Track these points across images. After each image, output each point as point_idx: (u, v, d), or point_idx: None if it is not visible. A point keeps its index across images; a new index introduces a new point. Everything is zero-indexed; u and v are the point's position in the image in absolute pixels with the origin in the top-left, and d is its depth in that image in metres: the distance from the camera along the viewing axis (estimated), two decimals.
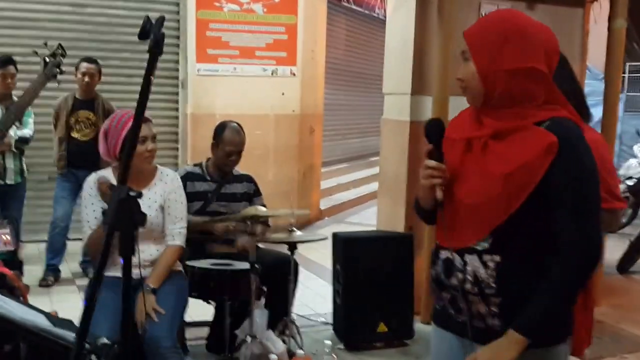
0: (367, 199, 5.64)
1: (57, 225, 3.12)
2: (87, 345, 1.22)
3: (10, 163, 2.90)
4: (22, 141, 2.91)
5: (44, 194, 3.72)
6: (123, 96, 3.72)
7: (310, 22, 4.44)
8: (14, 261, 2.03)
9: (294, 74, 4.39)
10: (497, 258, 0.98)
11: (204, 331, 2.28)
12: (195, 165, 2.36)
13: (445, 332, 1.08)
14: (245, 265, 1.95)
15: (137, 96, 0.95)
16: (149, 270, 1.75)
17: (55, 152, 3.13)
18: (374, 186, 4.86)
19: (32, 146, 3.11)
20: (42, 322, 1.35)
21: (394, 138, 2.83)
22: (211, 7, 4.15)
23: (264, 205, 2.23)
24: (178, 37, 4.19)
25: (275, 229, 2.37)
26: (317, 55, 4.59)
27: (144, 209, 1.74)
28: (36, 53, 2.63)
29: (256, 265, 1.91)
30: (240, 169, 2.35)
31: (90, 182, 1.76)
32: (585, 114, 1.34)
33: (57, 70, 2.59)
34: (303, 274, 2.40)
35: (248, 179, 2.34)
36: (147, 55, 0.93)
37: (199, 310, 2.15)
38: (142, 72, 0.92)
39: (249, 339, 1.94)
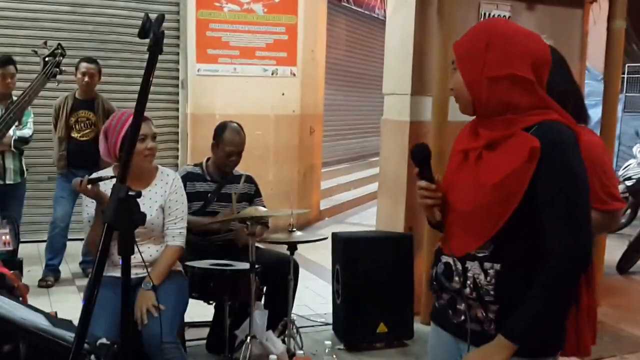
0: (367, 200, 5.64)
1: (56, 225, 3.11)
2: (86, 346, 1.22)
3: (9, 163, 2.89)
4: (21, 141, 2.91)
5: (43, 194, 3.72)
6: (123, 96, 3.72)
7: (310, 23, 4.44)
8: (13, 261, 2.02)
9: (294, 74, 4.39)
10: (498, 266, 0.98)
11: (204, 331, 2.28)
12: (195, 165, 2.36)
13: (442, 331, 1.09)
14: (245, 265, 1.94)
15: (137, 96, 0.94)
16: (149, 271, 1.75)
17: (55, 152, 3.13)
18: (374, 186, 4.87)
19: (31, 146, 3.11)
20: (42, 322, 1.35)
21: (394, 138, 2.83)
22: (211, 7, 4.15)
23: (264, 206, 2.23)
24: (178, 37, 4.19)
25: (275, 229, 2.37)
26: (317, 56, 4.60)
27: (144, 208, 1.74)
28: (36, 53, 2.62)
29: (256, 266, 1.91)
30: (240, 169, 2.34)
31: None
32: (583, 116, 1.34)
33: (57, 70, 2.59)
34: (303, 274, 2.40)
35: (248, 179, 2.34)
36: (147, 55, 0.92)
37: (199, 310, 2.14)
38: (142, 71, 0.92)
39: (248, 339, 1.94)
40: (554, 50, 1.30)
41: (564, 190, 0.94)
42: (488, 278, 0.98)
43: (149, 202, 1.76)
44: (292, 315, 2.14)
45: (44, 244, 3.19)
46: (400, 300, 2.44)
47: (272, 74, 4.33)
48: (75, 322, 1.04)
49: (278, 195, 4.17)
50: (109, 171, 1.79)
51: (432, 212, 1.05)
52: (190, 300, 1.86)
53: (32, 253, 3.35)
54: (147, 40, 0.91)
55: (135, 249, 0.94)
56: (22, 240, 2.38)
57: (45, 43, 2.69)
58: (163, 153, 3.99)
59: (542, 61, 0.98)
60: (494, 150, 0.98)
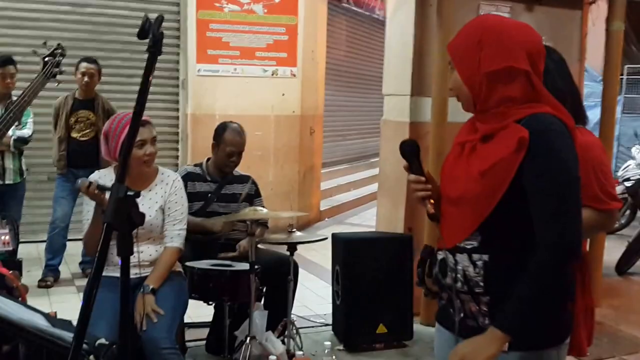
0: (367, 200, 5.65)
1: (56, 225, 3.11)
2: (85, 346, 1.22)
3: (9, 163, 2.89)
4: (21, 141, 2.90)
5: (43, 194, 3.72)
6: (123, 96, 3.72)
7: (310, 23, 4.44)
8: (13, 261, 2.02)
9: (294, 75, 4.39)
10: (486, 257, 0.99)
11: (204, 332, 2.28)
12: (195, 165, 2.36)
13: (445, 330, 1.09)
14: (244, 266, 1.94)
15: (136, 96, 0.94)
16: (148, 271, 1.75)
17: (54, 152, 3.13)
18: (374, 187, 4.86)
19: (31, 146, 3.11)
20: (41, 322, 1.35)
21: (394, 139, 2.83)
22: (212, 7, 4.15)
23: (264, 207, 2.23)
24: (178, 38, 4.19)
25: (275, 230, 2.37)
26: (317, 56, 4.60)
27: (144, 209, 1.75)
28: (35, 53, 2.62)
29: (256, 266, 1.91)
30: (240, 169, 2.34)
31: None
32: (582, 117, 1.34)
33: (57, 70, 2.59)
34: (303, 275, 2.40)
35: (248, 179, 2.34)
36: (147, 55, 0.92)
37: (199, 311, 2.14)
38: (142, 71, 0.92)
39: (248, 340, 1.93)
40: (553, 51, 1.31)
41: (551, 179, 0.93)
42: (477, 270, 0.99)
43: (149, 202, 1.76)
44: (291, 315, 2.13)
45: (43, 244, 3.19)
46: (400, 301, 2.44)
47: (273, 74, 4.33)
48: (75, 323, 1.04)
49: (278, 195, 4.18)
50: (109, 170, 1.79)
51: (426, 205, 1.07)
52: (190, 301, 1.86)
53: (32, 253, 3.35)
54: (148, 40, 0.90)
55: (135, 249, 0.94)
56: (21, 240, 2.38)
57: (45, 43, 2.69)
58: (163, 153, 3.99)
59: (536, 51, 0.99)
60: (488, 143, 0.99)
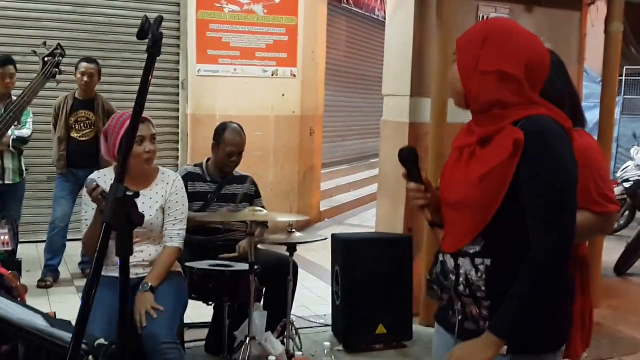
0: (367, 201, 5.65)
1: (56, 225, 3.11)
2: (84, 346, 1.22)
3: (9, 163, 2.89)
4: (20, 141, 2.90)
5: (43, 194, 3.72)
6: (123, 96, 3.73)
7: (310, 24, 4.45)
8: (12, 261, 2.02)
9: (294, 75, 4.40)
10: (488, 262, 0.99)
11: (203, 332, 2.27)
12: (195, 165, 2.36)
13: (444, 331, 1.10)
14: (244, 266, 1.94)
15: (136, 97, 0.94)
16: (148, 271, 1.75)
17: (54, 152, 3.13)
18: (374, 188, 4.87)
19: (31, 146, 3.11)
20: (40, 322, 1.35)
21: (394, 140, 2.84)
22: (212, 7, 4.15)
23: (264, 207, 2.23)
24: (179, 38, 4.20)
25: (275, 230, 2.37)
26: (317, 57, 4.60)
27: (144, 209, 1.75)
28: (35, 53, 2.63)
29: (255, 267, 1.91)
30: (240, 169, 2.34)
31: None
32: (580, 119, 1.34)
33: (56, 70, 2.60)
34: (302, 276, 2.40)
35: (248, 180, 2.34)
36: (146, 56, 0.92)
37: (198, 311, 2.14)
38: (142, 72, 0.92)
39: (247, 340, 1.93)
40: (552, 53, 1.31)
41: (545, 180, 0.93)
42: (479, 274, 0.99)
43: (150, 202, 1.76)
44: (291, 316, 2.13)
45: (43, 245, 3.19)
46: (400, 302, 2.45)
47: (273, 74, 4.33)
48: (74, 323, 1.04)
49: (278, 196, 4.18)
50: (110, 171, 1.79)
51: (425, 213, 1.08)
52: (190, 301, 1.86)
53: (32, 253, 3.35)
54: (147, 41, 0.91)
55: (134, 249, 0.94)
56: (21, 240, 2.38)
57: (45, 43, 2.69)
58: (163, 154, 3.99)
59: (537, 63, 0.98)
60: (486, 146, 0.99)
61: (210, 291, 1.92)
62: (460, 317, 1.02)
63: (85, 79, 3.05)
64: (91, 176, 1.73)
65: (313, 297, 2.98)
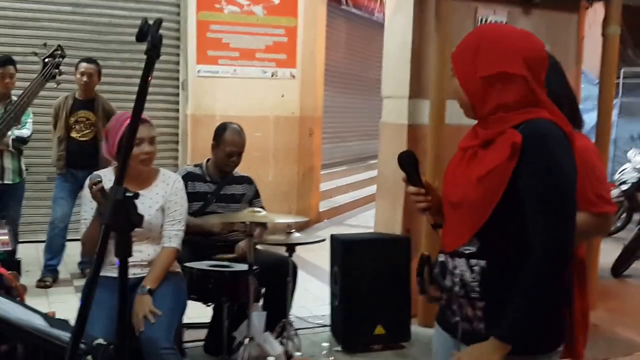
0: (366, 202, 5.65)
1: (56, 226, 3.12)
2: (82, 346, 1.22)
3: (8, 163, 2.90)
4: (20, 141, 2.91)
5: (43, 194, 3.72)
6: (123, 97, 3.73)
7: (310, 25, 4.46)
8: (12, 261, 2.03)
9: (294, 76, 4.41)
10: (483, 263, 1.00)
11: (202, 333, 2.28)
12: (195, 165, 2.36)
13: (443, 331, 1.10)
14: (243, 267, 1.95)
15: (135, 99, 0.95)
16: (147, 271, 1.75)
17: (54, 152, 3.13)
18: (372, 189, 4.86)
19: (31, 146, 3.11)
20: (39, 322, 1.36)
21: (392, 141, 2.85)
22: (212, 8, 4.16)
23: (263, 208, 2.24)
24: (178, 39, 4.20)
25: (274, 231, 2.38)
26: (316, 58, 4.61)
27: (144, 209, 1.75)
28: (36, 54, 2.64)
29: (254, 267, 1.92)
30: (240, 170, 2.35)
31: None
32: (578, 121, 1.35)
33: (56, 71, 2.60)
34: (301, 276, 2.39)
35: (248, 180, 2.35)
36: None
37: (197, 311, 2.15)
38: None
39: (246, 340, 1.94)
40: (548, 55, 1.32)
41: (545, 184, 0.93)
42: (473, 275, 0.99)
43: (149, 202, 1.77)
44: (290, 316, 2.14)
45: (42, 245, 3.19)
46: (398, 303, 2.45)
47: (272, 75, 4.34)
48: (73, 323, 1.04)
49: (277, 196, 4.18)
50: (109, 171, 1.80)
51: (426, 216, 1.09)
52: (189, 302, 1.86)
53: (31, 253, 3.35)
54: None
55: (133, 249, 0.94)
56: (21, 240, 2.39)
57: (45, 44, 2.70)
58: (163, 154, 4.00)
59: (535, 58, 0.98)
60: (488, 148, 0.99)
61: (209, 291, 1.92)
62: (458, 317, 1.03)
63: (85, 79, 3.06)
64: (91, 175, 1.73)
65: (312, 298, 2.99)
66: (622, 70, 6.21)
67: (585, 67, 3.86)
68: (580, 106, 1.50)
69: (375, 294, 2.41)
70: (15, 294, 1.72)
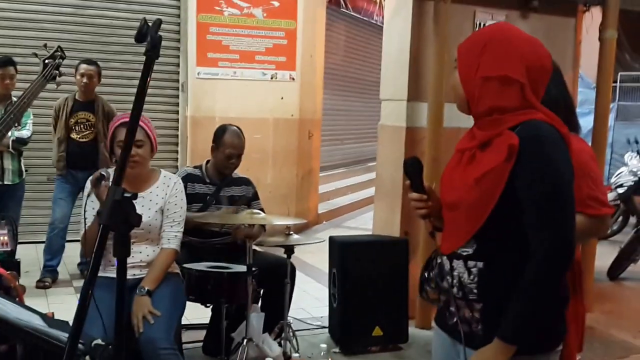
0: (365, 204, 5.66)
1: (55, 226, 3.12)
2: (81, 346, 1.23)
3: (8, 164, 2.90)
4: (20, 142, 2.92)
5: (42, 195, 3.73)
6: (123, 98, 3.74)
7: (309, 28, 4.47)
8: (11, 262, 2.03)
9: (293, 79, 4.42)
10: (480, 264, 1.00)
11: (201, 334, 2.28)
12: (195, 167, 2.37)
13: (441, 332, 1.11)
14: (242, 268, 1.95)
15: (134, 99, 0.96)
16: (145, 272, 1.76)
17: (54, 153, 3.14)
18: (371, 191, 4.87)
19: (31, 147, 3.12)
20: (37, 322, 1.36)
21: (391, 144, 2.86)
22: (212, 11, 4.18)
23: (262, 209, 2.24)
24: (179, 40, 4.22)
25: (273, 232, 2.38)
26: (316, 61, 4.63)
27: (144, 210, 1.76)
28: (36, 55, 2.65)
29: (253, 269, 1.92)
30: (239, 172, 2.36)
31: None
32: (574, 125, 1.36)
33: (56, 72, 2.61)
34: (300, 278, 2.41)
35: (247, 182, 2.36)
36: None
37: (196, 312, 2.15)
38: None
39: (245, 342, 1.94)
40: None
41: (543, 186, 0.93)
42: (471, 276, 1.00)
43: (149, 203, 1.78)
44: (288, 318, 2.14)
45: (42, 245, 3.19)
46: (396, 305, 2.46)
47: (272, 78, 4.36)
48: (72, 323, 1.05)
49: (276, 198, 4.19)
50: (111, 170, 1.81)
51: (426, 223, 1.09)
52: (188, 303, 1.87)
53: (31, 254, 3.35)
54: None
55: (132, 250, 0.95)
56: (20, 241, 2.39)
57: (45, 45, 2.71)
58: (162, 155, 4.01)
59: (538, 67, 0.99)
60: (485, 150, 0.99)
61: (208, 292, 1.93)
62: (456, 319, 1.04)
63: (85, 80, 3.07)
64: (101, 169, 1.74)
65: (310, 299, 2.99)
66: (619, 74, 6.24)
67: (582, 71, 3.88)
68: (577, 110, 1.51)
69: (373, 296, 2.42)
70: (14, 294, 1.72)
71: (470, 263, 1.01)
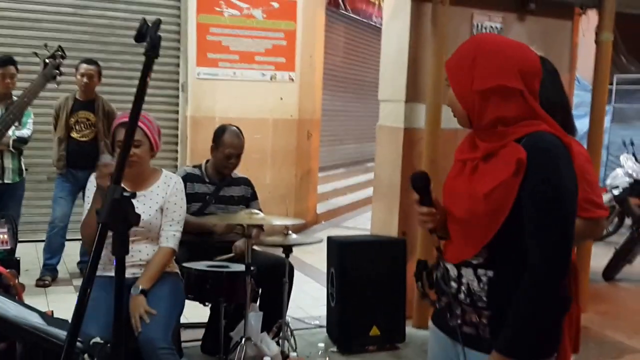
0: (363, 204, 5.67)
1: (55, 225, 3.13)
2: (79, 345, 1.24)
3: (8, 163, 2.91)
4: (20, 141, 2.93)
5: (42, 194, 3.74)
6: (123, 98, 3.75)
7: (309, 29, 4.49)
8: (11, 260, 2.04)
9: (293, 80, 4.44)
10: (490, 273, 1.00)
11: (199, 333, 2.29)
12: (194, 166, 2.38)
13: (440, 332, 1.11)
14: (240, 267, 1.97)
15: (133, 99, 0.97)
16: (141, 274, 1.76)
17: (54, 152, 3.15)
18: (369, 191, 4.88)
19: (31, 146, 3.13)
20: (36, 320, 1.37)
21: (389, 145, 2.87)
22: (212, 11, 4.19)
23: (260, 209, 2.26)
24: (179, 41, 4.23)
25: (271, 232, 2.40)
26: (315, 62, 4.64)
27: (144, 209, 1.76)
28: (36, 54, 2.66)
29: (252, 268, 1.93)
30: (238, 171, 2.37)
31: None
32: (570, 127, 1.37)
33: (57, 71, 2.62)
34: (298, 277, 2.42)
35: (246, 182, 2.37)
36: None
37: (195, 311, 2.16)
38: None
39: (243, 341, 1.96)
40: (547, 62, 1.32)
41: (546, 197, 0.94)
42: (481, 285, 1.00)
43: (149, 202, 1.79)
44: (286, 317, 2.15)
45: (42, 244, 3.20)
46: (393, 304, 2.47)
47: (271, 78, 4.37)
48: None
49: (275, 198, 4.20)
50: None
51: (432, 236, 1.08)
52: (187, 301, 1.88)
53: (31, 253, 3.36)
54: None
55: (131, 249, 0.96)
56: (20, 240, 2.40)
57: (46, 45, 2.72)
58: (162, 155, 4.01)
59: (530, 70, 0.99)
60: (489, 162, 0.99)
61: (207, 292, 1.93)
62: (459, 321, 1.04)
63: (85, 80, 3.08)
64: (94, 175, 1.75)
65: (308, 299, 3.00)
66: (615, 77, 6.26)
67: (578, 73, 3.90)
68: (573, 112, 1.53)
69: (371, 296, 2.43)
70: (14, 292, 1.73)
71: (480, 271, 1.01)
